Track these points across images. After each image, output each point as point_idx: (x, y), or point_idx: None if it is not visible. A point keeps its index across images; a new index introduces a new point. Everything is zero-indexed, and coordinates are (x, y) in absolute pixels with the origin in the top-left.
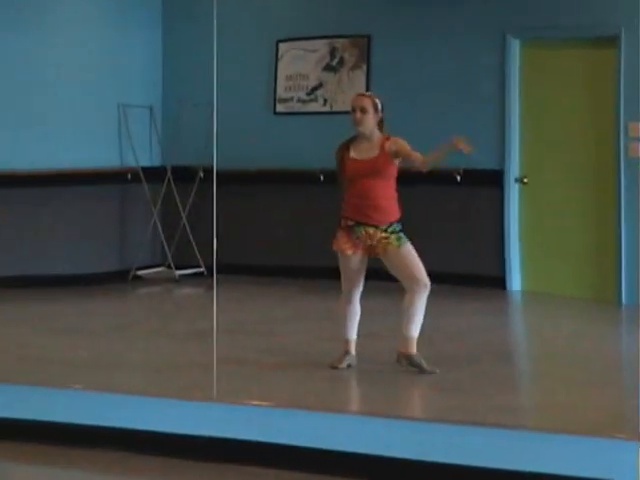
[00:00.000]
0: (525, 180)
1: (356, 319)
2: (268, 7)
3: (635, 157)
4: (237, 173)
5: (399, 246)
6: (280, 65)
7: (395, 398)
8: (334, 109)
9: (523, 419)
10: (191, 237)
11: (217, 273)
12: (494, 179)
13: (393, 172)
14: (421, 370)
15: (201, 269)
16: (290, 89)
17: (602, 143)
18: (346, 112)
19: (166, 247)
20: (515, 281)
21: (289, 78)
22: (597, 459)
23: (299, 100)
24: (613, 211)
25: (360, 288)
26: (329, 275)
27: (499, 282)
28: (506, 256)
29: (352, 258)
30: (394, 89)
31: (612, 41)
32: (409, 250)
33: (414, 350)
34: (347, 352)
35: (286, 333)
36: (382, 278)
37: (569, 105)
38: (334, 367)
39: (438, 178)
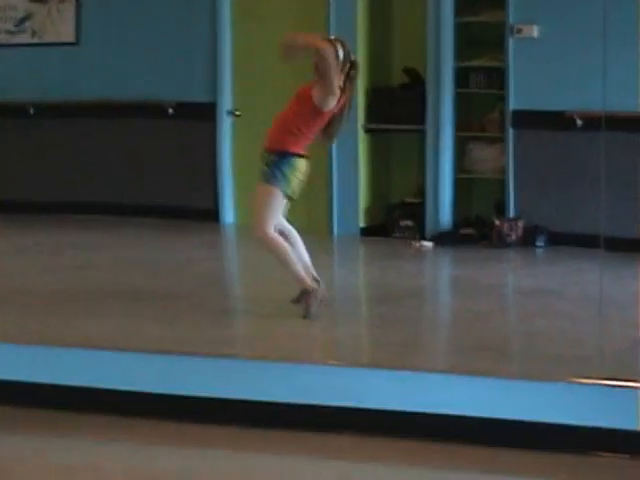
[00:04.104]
0: (237, 113)
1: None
2: None
3: None
4: None
5: (261, 180)
6: None
7: (110, 329)
8: (43, 40)
9: (236, 349)
10: None
11: None
12: (207, 112)
13: (309, 110)
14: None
15: None
16: None
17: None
18: (56, 44)
19: None
20: (228, 214)
21: None
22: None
23: (7, 32)
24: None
25: None
26: (40, 210)
27: (213, 215)
28: (219, 189)
29: None
30: (105, 22)
31: None
32: (264, 191)
33: (300, 287)
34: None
35: (3, 267)
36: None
37: (281, 36)
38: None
39: (150, 111)
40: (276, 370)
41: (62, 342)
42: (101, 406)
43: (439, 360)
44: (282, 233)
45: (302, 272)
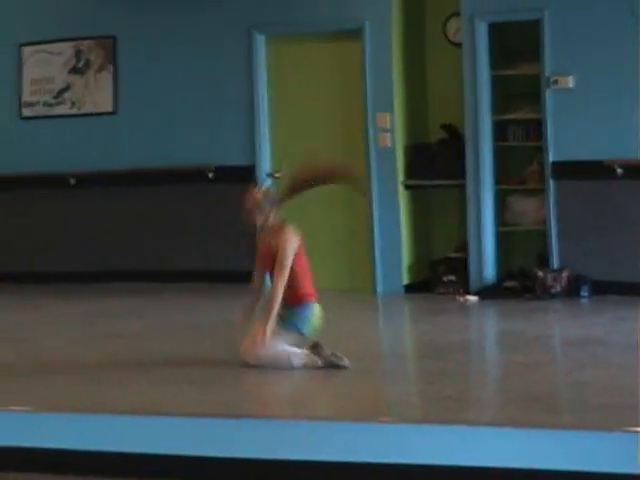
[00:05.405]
0: (277, 174)
1: None
2: (9, 11)
3: (385, 146)
4: None
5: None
6: (25, 69)
7: (154, 396)
8: (82, 111)
9: (284, 409)
10: None
11: None
12: (246, 175)
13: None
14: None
15: None
16: (36, 93)
17: (352, 134)
18: (95, 114)
19: None
20: (268, 276)
21: (35, 82)
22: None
23: (46, 104)
24: (365, 201)
25: None
26: (76, 279)
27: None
28: None
29: None
30: (142, 90)
31: (356, 34)
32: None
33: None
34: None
35: (37, 337)
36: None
37: (318, 98)
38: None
39: (190, 176)
40: (326, 429)
41: (106, 410)
42: (144, 472)
43: (491, 413)
44: None
45: (303, 357)
